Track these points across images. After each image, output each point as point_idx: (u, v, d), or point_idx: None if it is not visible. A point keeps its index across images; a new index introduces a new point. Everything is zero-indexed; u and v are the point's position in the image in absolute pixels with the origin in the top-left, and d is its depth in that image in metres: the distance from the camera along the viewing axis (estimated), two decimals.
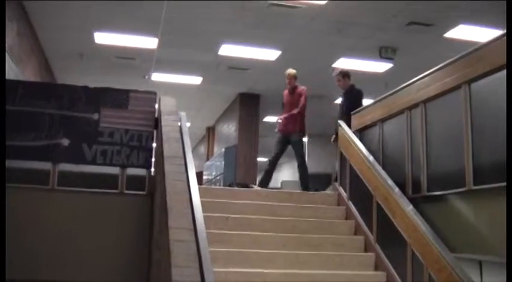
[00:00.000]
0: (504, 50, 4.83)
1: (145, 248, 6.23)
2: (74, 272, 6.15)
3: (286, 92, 9.37)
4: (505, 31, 4.94)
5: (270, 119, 17.70)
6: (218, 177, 16.77)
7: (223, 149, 16.82)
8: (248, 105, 16.68)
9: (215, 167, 17.75)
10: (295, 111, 8.96)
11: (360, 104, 8.50)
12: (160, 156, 5.61)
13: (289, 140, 9.05)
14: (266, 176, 9.03)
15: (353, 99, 8.81)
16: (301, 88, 9.17)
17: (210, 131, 21.77)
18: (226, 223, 6.31)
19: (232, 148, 16.39)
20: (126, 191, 6.48)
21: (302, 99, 9.02)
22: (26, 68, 10.69)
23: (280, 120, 9.17)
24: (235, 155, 16.08)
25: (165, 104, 6.55)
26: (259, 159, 17.32)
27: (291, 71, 9.29)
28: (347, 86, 9.13)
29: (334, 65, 13.12)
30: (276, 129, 9.32)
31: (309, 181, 8.78)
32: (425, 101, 6.23)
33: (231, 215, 6.47)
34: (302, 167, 8.89)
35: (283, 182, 20.12)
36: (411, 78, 6.59)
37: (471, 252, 5.56)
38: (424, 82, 6.28)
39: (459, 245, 5.49)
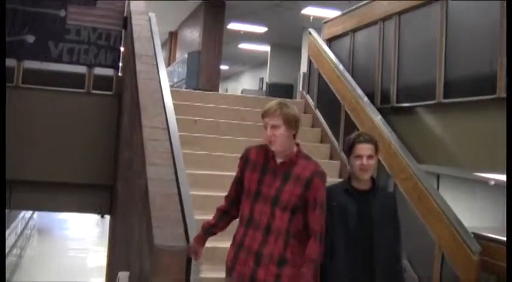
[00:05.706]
0: None
1: (112, 148, 6.23)
2: (39, 172, 6.14)
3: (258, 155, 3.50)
4: None
5: (235, 26, 17.34)
6: (180, 84, 16.52)
7: (186, 55, 16.51)
8: (213, 11, 16.28)
9: (177, 73, 17.42)
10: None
11: None
12: (131, 55, 5.51)
13: None
14: None
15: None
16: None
17: (173, 36, 21.32)
18: (194, 126, 6.29)
19: (196, 53, 16.06)
20: (93, 91, 6.41)
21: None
22: None
23: None
24: (198, 61, 15.79)
25: (135, 4, 6.38)
26: (222, 67, 17.07)
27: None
28: None
29: None
30: None
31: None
32: (400, 13, 6.18)
33: (198, 118, 6.44)
34: None
35: (243, 90, 20.14)
36: None
37: (434, 164, 5.69)
38: None
39: (423, 156, 5.60)
